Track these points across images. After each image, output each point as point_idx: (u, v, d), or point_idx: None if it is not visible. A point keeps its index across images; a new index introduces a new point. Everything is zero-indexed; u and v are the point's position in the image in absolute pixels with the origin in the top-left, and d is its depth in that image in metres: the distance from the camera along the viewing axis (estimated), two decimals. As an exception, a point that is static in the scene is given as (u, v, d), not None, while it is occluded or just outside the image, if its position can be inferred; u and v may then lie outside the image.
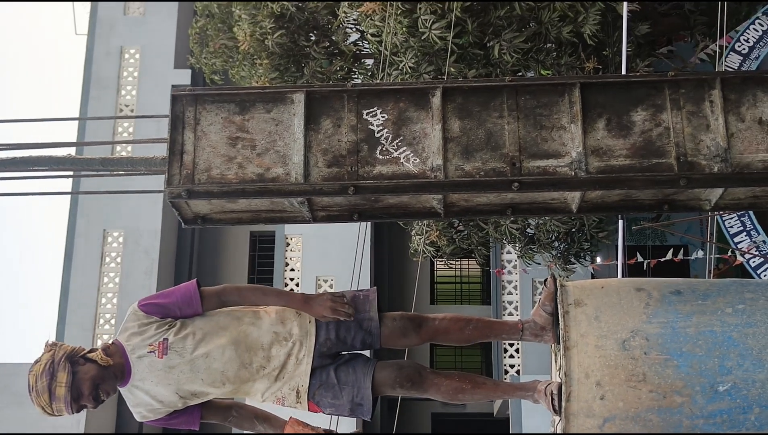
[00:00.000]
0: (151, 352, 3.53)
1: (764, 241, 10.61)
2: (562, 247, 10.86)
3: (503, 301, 14.82)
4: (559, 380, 3.36)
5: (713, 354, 3.26)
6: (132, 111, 15.89)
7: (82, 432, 13.12)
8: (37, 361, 3.52)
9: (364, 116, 3.34)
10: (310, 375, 3.63)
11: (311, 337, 3.63)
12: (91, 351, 3.57)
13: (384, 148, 3.30)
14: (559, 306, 3.43)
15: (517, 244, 10.88)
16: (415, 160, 3.28)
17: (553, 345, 3.70)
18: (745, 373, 3.23)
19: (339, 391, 3.64)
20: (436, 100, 3.32)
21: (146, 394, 3.60)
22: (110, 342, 3.65)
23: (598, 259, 12.15)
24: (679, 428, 3.24)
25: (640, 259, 10.13)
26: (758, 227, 10.49)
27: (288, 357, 3.62)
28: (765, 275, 10.38)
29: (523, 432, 12.86)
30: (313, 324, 3.64)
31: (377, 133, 3.32)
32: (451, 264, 12.65)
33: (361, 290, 3.76)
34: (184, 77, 15.81)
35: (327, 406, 3.65)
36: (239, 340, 3.57)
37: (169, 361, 3.53)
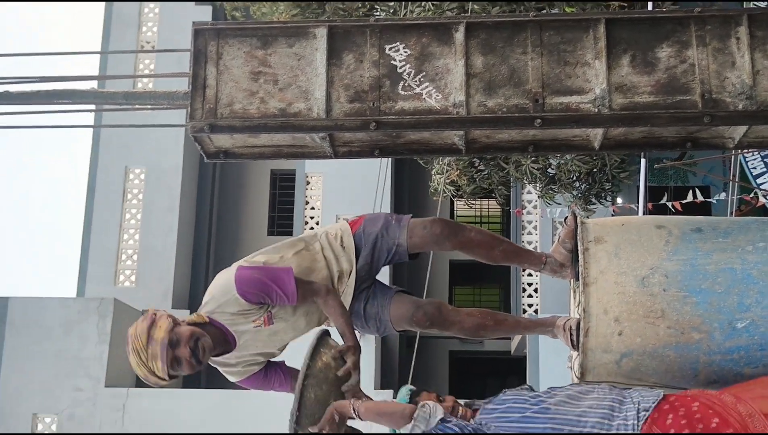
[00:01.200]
0: (257, 326, 3.52)
1: (787, 181, 10.56)
2: (583, 187, 10.82)
3: (523, 241, 14.84)
4: (578, 316, 3.39)
5: (732, 291, 3.27)
6: (153, 47, 15.86)
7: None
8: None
9: (387, 51, 3.33)
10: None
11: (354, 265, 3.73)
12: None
13: (406, 84, 3.29)
14: (579, 243, 3.45)
15: (537, 184, 10.86)
16: (437, 95, 3.28)
17: (572, 281, 3.73)
18: (764, 311, 3.25)
19: (365, 322, 3.77)
20: (460, 35, 3.30)
21: (249, 355, 3.64)
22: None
23: (619, 200, 12.12)
24: (696, 364, 3.27)
25: (662, 202, 10.10)
26: (782, 168, 10.42)
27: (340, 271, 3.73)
28: (787, 217, 10.33)
29: (540, 369, 12.98)
30: (354, 256, 3.72)
31: (399, 68, 3.30)
32: (471, 203, 12.66)
33: (395, 215, 3.78)
34: (205, 13, 15.73)
35: (356, 327, 3.72)
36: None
37: (275, 327, 3.56)
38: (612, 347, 3.31)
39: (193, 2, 16.00)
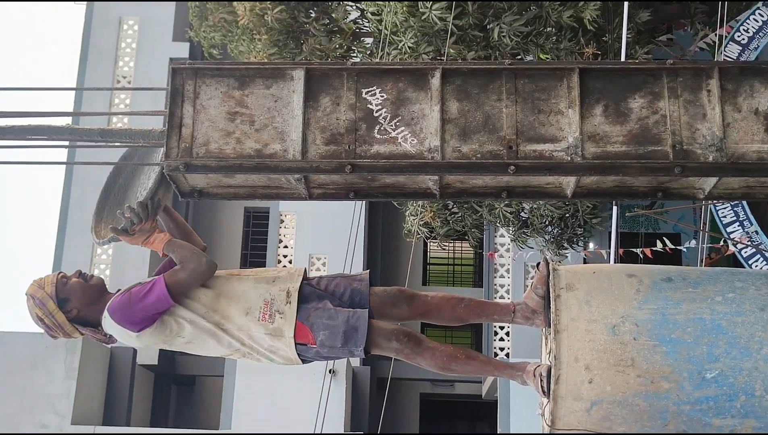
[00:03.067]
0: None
1: (756, 232, 10.66)
2: (555, 231, 10.90)
3: (495, 284, 14.87)
4: (549, 363, 3.39)
5: (702, 341, 3.29)
6: (129, 82, 15.86)
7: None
8: None
9: (363, 95, 3.35)
10: (306, 301, 3.66)
11: (300, 275, 3.77)
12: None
13: (382, 128, 3.31)
14: (551, 289, 3.46)
15: (510, 228, 10.92)
16: (412, 140, 3.30)
17: (543, 328, 3.73)
18: (732, 361, 3.27)
19: (335, 313, 3.63)
20: (436, 81, 3.33)
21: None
22: None
23: (591, 246, 12.20)
24: (666, 414, 3.28)
25: (633, 249, 10.18)
26: (751, 218, 10.53)
27: (278, 274, 3.76)
28: (756, 266, 10.44)
29: (510, 414, 12.94)
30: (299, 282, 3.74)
31: (376, 112, 3.33)
32: (444, 245, 12.70)
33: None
34: (182, 50, 15.77)
35: (321, 329, 3.60)
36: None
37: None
38: (582, 395, 3.31)
39: (171, 37, 16.03)
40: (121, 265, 14.98)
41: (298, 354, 3.64)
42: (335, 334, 3.58)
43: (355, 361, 14.12)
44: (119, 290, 3.76)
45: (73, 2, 16.78)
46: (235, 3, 10.46)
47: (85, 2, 16.20)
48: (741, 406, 3.27)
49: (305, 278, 3.77)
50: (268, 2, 9.85)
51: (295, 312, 3.60)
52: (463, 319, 3.83)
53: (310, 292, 3.70)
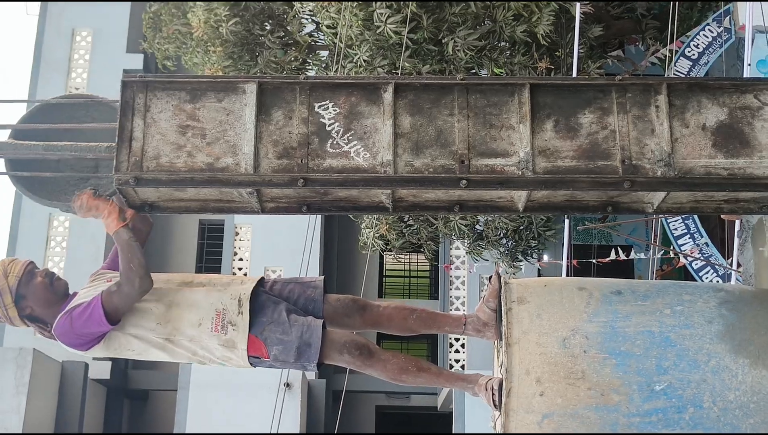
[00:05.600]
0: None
1: (707, 244, 10.83)
2: (509, 244, 10.96)
3: (451, 296, 14.93)
4: (501, 376, 3.41)
5: (651, 354, 3.33)
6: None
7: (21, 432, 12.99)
8: None
9: (316, 109, 3.35)
10: (261, 313, 3.62)
11: (253, 282, 3.74)
12: None
13: (335, 142, 3.31)
14: (502, 303, 3.48)
15: (465, 240, 10.96)
16: (365, 154, 3.30)
17: (495, 341, 3.75)
18: (681, 374, 3.31)
19: (289, 327, 3.61)
20: (388, 95, 3.34)
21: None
22: None
23: (545, 257, 12.29)
24: (616, 426, 3.31)
25: (585, 260, 10.28)
26: (701, 230, 10.70)
27: (232, 281, 3.73)
28: (707, 278, 10.60)
29: (465, 426, 12.98)
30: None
31: (328, 126, 3.33)
32: (400, 258, 12.72)
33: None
34: (136, 62, 15.65)
35: (275, 344, 3.59)
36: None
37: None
38: (534, 408, 3.33)
39: (125, 48, 15.90)
40: (78, 235, 14.77)
41: (251, 364, 3.63)
42: (288, 349, 3.57)
43: (311, 374, 14.07)
44: (76, 294, 3.72)
45: (25, 1, 16.53)
46: (189, 15, 10.40)
47: (37, 15, 15.99)
48: (690, 418, 3.31)
49: (261, 284, 3.75)
50: (223, 14, 9.80)
51: (247, 323, 3.58)
52: (415, 330, 3.84)
53: (264, 300, 3.68)
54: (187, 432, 13.55)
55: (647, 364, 3.31)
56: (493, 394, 3.45)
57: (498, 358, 3.68)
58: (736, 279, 7.41)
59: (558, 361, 3.32)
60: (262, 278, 3.83)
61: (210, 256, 16.98)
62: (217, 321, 3.59)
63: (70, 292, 3.79)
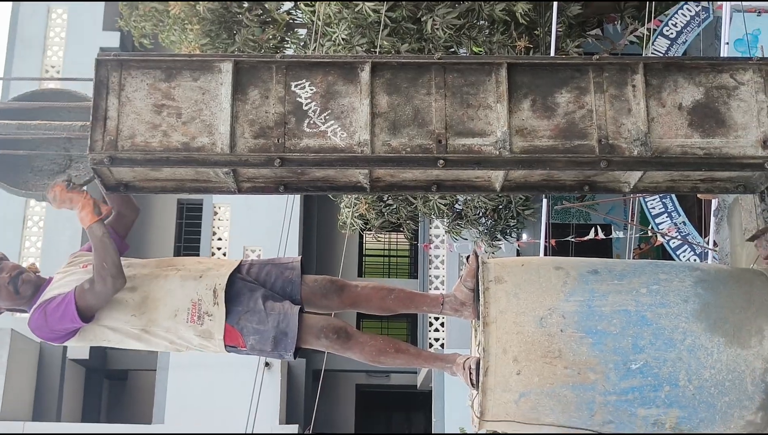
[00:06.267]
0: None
1: (684, 223, 10.90)
2: (489, 223, 10.98)
3: (430, 275, 14.96)
4: (478, 355, 3.42)
5: (627, 333, 3.35)
6: (58, 72, 15.54)
7: None
8: None
9: (293, 88, 3.33)
10: (237, 302, 3.60)
11: (229, 269, 3.70)
12: None
13: (311, 121, 3.29)
14: (480, 282, 3.49)
15: (445, 220, 10.97)
16: (342, 134, 3.29)
17: (473, 320, 3.76)
18: (657, 352, 3.33)
19: (265, 317, 3.60)
20: (365, 74, 3.32)
21: None
22: None
23: (524, 236, 12.33)
24: (592, 404, 3.33)
25: (564, 239, 10.32)
26: (679, 209, 10.76)
27: (207, 268, 3.68)
28: (684, 257, 10.67)
29: (445, 404, 13.05)
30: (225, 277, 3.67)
31: (305, 105, 3.30)
32: (379, 237, 12.72)
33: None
34: (112, 39, 15.50)
35: (251, 334, 3.58)
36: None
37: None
38: (511, 386, 3.35)
39: (101, 26, 15.74)
40: (55, 215, 14.64)
41: (228, 352, 3.63)
42: (265, 339, 3.57)
43: (290, 354, 14.07)
44: (51, 280, 3.69)
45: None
46: (166, -8, 10.30)
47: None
48: (665, 396, 3.34)
49: (236, 269, 3.72)
50: (200, -8, 9.72)
51: (223, 313, 3.56)
52: (392, 310, 3.85)
53: (240, 287, 3.66)
54: (166, 412, 13.54)
55: (623, 342, 3.33)
56: (470, 373, 3.46)
57: (475, 337, 3.69)
58: (713, 258, 7.46)
59: (535, 340, 3.34)
60: (240, 263, 3.80)
61: (189, 235, 16.92)
62: (193, 311, 3.57)
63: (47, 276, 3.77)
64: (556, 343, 3.33)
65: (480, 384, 3.37)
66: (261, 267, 3.78)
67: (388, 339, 3.72)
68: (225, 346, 3.58)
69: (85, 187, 3.55)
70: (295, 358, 3.68)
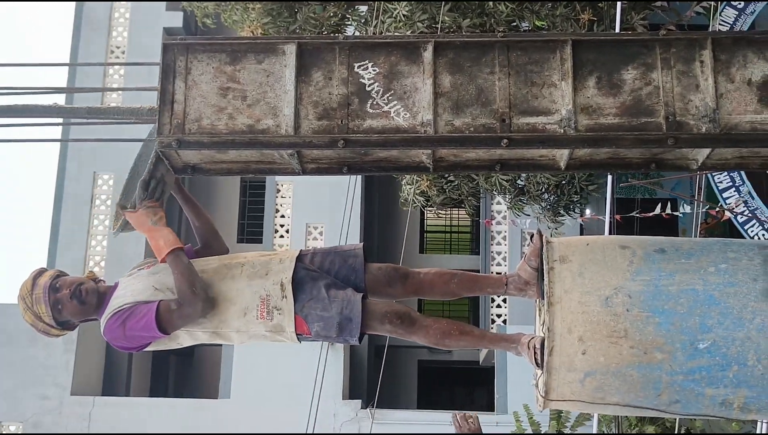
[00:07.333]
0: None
1: (750, 194, 10.69)
2: (551, 199, 10.90)
3: (492, 252, 14.91)
4: (542, 334, 3.41)
5: (694, 312, 3.31)
6: (123, 53, 15.76)
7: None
8: None
9: (356, 69, 3.34)
10: (300, 290, 3.63)
11: (293, 260, 3.71)
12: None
13: (374, 102, 3.30)
14: (544, 262, 3.47)
15: (507, 195, 10.92)
16: (405, 114, 3.29)
17: (537, 300, 3.75)
18: (725, 332, 3.29)
19: (329, 304, 3.61)
20: (428, 54, 3.32)
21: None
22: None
23: (588, 212, 12.21)
24: (659, 384, 3.30)
25: (630, 214, 10.20)
26: (747, 182, 10.56)
27: (270, 260, 3.69)
28: (752, 231, 10.47)
29: (508, 380, 13.03)
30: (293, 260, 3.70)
31: (368, 86, 3.31)
32: (440, 213, 12.72)
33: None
34: (176, 19, 15.67)
35: (315, 320, 3.61)
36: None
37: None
38: (576, 366, 3.34)
39: (164, 6, 15.92)
40: (117, 253, 14.87)
41: (300, 342, 3.70)
42: (330, 325, 3.59)
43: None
44: (116, 287, 3.76)
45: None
46: (228, -28, 10.36)
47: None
48: (734, 375, 3.29)
49: (298, 259, 3.75)
50: (262, -29, 9.76)
51: (292, 306, 3.59)
52: (457, 294, 3.85)
53: (303, 276, 3.67)
54: (232, 387, 13.75)
55: (691, 322, 3.29)
56: (535, 352, 3.45)
57: (540, 317, 3.68)
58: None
59: (600, 320, 3.32)
60: (300, 253, 3.81)
61: (252, 212, 17.10)
62: (262, 308, 3.60)
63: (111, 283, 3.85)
64: (622, 322, 3.30)
65: (545, 364, 3.36)
66: (324, 256, 3.79)
67: (451, 321, 3.73)
68: (296, 335, 3.63)
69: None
70: (360, 343, 3.71)
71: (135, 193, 3.54)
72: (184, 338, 3.69)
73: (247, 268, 3.68)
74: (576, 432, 10.86)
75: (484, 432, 3.59)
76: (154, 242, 3.54)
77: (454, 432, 3.78)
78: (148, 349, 3.72)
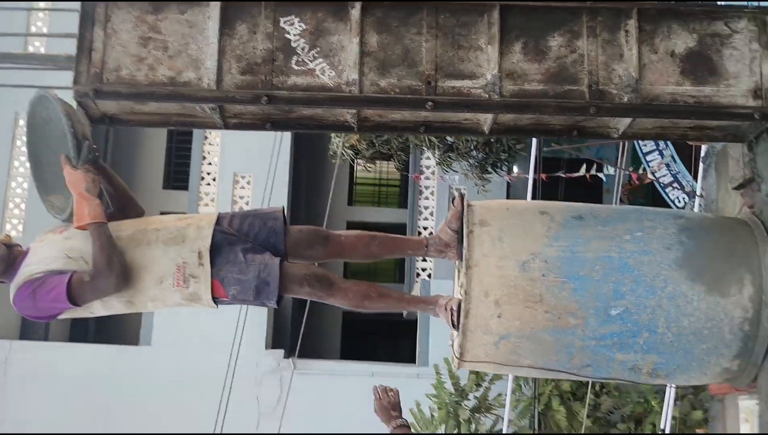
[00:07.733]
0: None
1: (673, 158, 10.90)
2: (480, 156, 10.95)
3: (420, 206, 14.98)
4: (460, 297, 3.44)
5: (609, 279, 3.37)
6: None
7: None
8: None
9: (281, 24, 3.28)
10: (217, 254, 3.56)
11: (210, 226, 3.62)
12: None
13: (300, 59, 3.25)
14: (464, 225, 3.49)
15: (436, 151, 10.93)
16: (330, 72, 3.25)
17: (456, 262, 3.78)
18: (637, 299, 3.36)
19: (246, 267, 3.57)
20: (355, 12, 3.27)
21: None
22: None
23: (515, 170, 12.32)
24: (571, 348, 3.37)
25: (554, 175, 10.34)
26: (670, 145, 10.75)
27: (187, 226, 3.60)
28: (673, 194, 10.70)
29: (430, 335, 13.19)
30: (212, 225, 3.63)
31: (294, 42, 3.26)
32: (370, 167, 12.69)
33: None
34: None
35: (232, 284, 3.56)
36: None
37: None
38: (491, 329, 3.38)
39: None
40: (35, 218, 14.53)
41: (216, 306, 3.64)
42: (247, 289, 3.55)
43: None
44: (29, 251, 3.67)
45: None
46: None
47: None
48: (644, 342, 3.37)
49: (216, 222, 3.68)
50: None
51: (209, 273, 3.52)
52: (377, 256, 3.84)
53: (220, 240, 3.58)
54: (153, 333, 13.66)
55: (605, 288, 3.35)
56: (452, 314, 3.48)
57: (458, 279, 3.71)
58: (699, 205, 7.47)
59: (517, 284, 3.35)
60: (219, 216, 3.73)
61: (179, 159, 16.84)
62: (178, 275, 3.51)
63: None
64: (538, 287, 3.35)
65: (461, 326, 3.39)
66: (243, 219, 3.72)
67: (370, 284, 3.73)
68: (212, 298, 3.58)
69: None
70: (278, 306, 3.68)
71: (65, 160, 3.35)
72: (97, 308, 3.59)
73: (163, 234, 3.57)
74: (494, 385, 11.09)
75: (401, 396, 3.62)
76: (80, 208, 3.41)
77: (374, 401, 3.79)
78: (60, 317, 3.62)
